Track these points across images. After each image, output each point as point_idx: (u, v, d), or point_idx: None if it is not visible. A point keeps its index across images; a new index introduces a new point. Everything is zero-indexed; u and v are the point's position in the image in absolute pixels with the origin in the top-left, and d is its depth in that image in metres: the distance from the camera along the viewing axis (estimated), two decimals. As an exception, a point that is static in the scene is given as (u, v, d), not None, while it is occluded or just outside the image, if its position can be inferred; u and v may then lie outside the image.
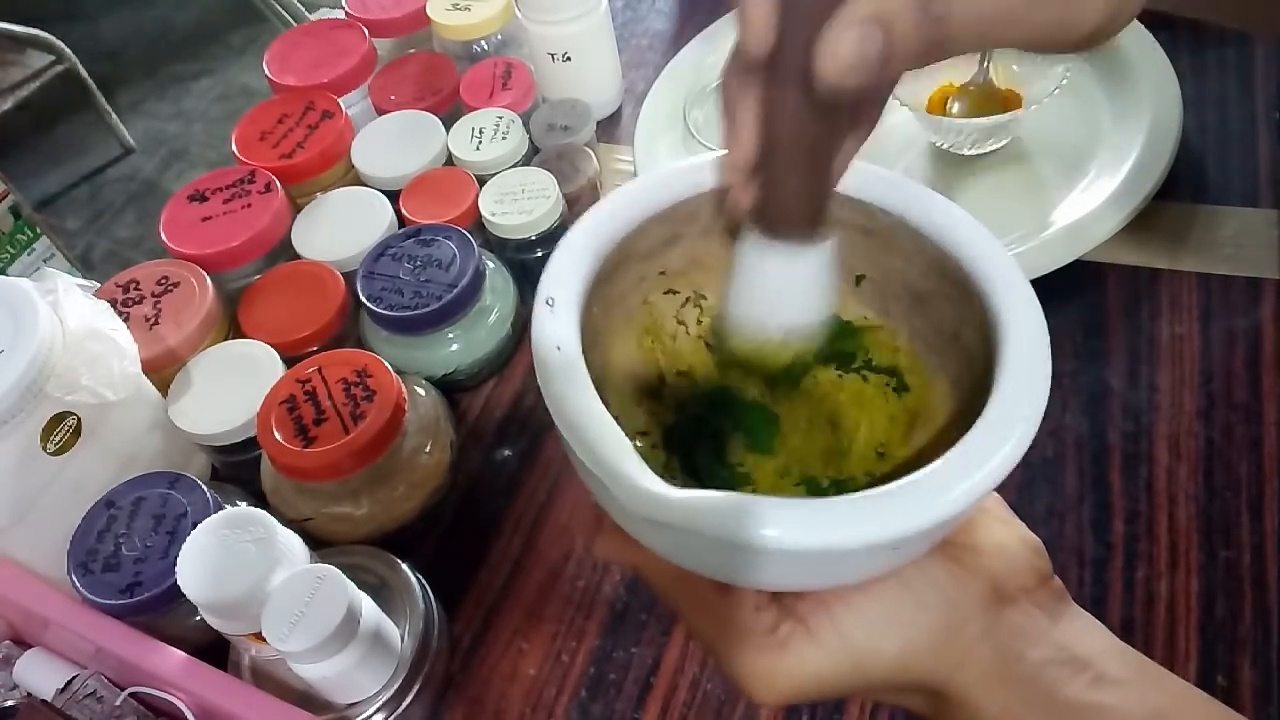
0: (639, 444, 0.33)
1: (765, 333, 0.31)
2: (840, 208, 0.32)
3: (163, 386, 0.53)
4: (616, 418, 0.27)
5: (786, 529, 0.24)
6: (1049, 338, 0.28)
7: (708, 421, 0.35)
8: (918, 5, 0.23)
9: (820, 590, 0.30)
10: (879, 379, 0.35)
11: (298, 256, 0.59)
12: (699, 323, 0.36)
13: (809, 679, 0.29)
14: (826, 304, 0.31)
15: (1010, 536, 0.31)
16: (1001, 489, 0.33)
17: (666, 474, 0.34)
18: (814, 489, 0.33)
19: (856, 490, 0.32)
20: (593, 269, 0.31)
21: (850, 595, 0.29)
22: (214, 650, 0.44)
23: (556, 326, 0.29)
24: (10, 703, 0.43)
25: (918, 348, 0.34)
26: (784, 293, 0.30)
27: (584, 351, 0.29)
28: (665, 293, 0.35)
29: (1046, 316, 0.29)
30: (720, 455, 0.34)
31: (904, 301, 0.34)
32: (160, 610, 0.43)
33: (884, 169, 0.33)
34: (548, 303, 0.29)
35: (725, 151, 0.29)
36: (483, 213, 0.58)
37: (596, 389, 0.28)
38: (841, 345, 0.35)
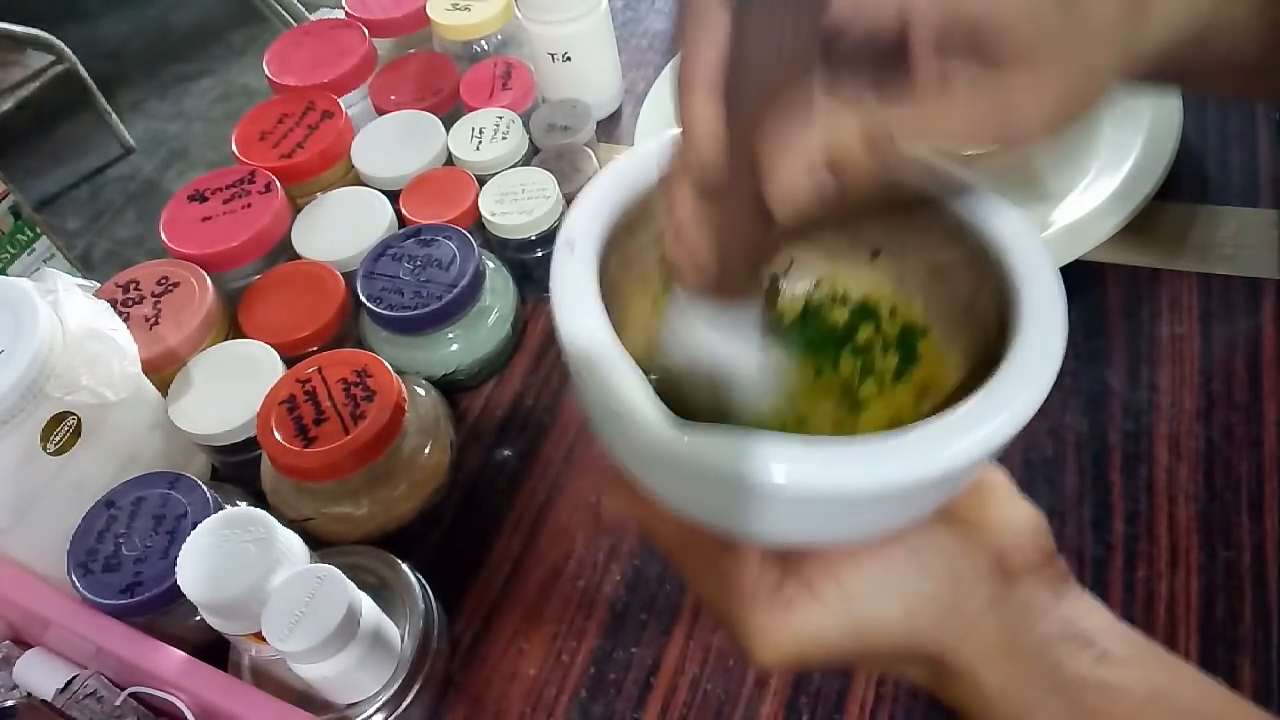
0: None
1: (702, 383, 0.31)
2: None
3: (163, 386, 0.53)
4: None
5: (797, 466, 0.24)
6: (1063, 291, 0.28)
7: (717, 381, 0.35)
8: (865, 138, 0.24)
9: (826, 546, 0.29)
10: (891, 357, 0.34)
11: (298, 256, 0.59)
12: None
13: (812, 640, 0.29)
14: (754, 356, 0.31)
15: (1017, 514, 0.31)
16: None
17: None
18: None
19: None
20: (614, 219, 0.31)
21: (857, 558, 0.29)
22: (214, 650, 0.44)
23: (576, 268, 0.29)
24: (10, 703, 0.43)
25: (932, 318, 0.34)
26: (715, 347, 0.31)
27: (606, 302, 0.29)
28: None
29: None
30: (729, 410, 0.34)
31: (920, 273, 0.33)
32: (160, 610, 0.43)
33: None
34: (568, 244, 0.29)
35: (672, 249, 0.29)
36: (483, 213, 0.58)
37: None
38: (860, 324, 0.35)
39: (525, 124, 0.63)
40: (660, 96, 0.70)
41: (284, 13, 2.04)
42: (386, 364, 0.50)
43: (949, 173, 0.32)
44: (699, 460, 0.25)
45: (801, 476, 0.24)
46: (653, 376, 0.27)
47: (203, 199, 0.60)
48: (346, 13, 0.72)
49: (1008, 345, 0.27)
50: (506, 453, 0.55)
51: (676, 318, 0.31)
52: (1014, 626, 0.29)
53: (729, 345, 0.31)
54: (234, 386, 0.52)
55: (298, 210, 0.61)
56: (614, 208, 0.31)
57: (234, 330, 0.57)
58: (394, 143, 0.63)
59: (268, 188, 0.60)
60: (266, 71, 0.69)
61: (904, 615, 0.29)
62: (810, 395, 0.35)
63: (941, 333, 0.33)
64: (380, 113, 0.66)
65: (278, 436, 0.48)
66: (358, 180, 0.64)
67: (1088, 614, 0.29)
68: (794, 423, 0.34)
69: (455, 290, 0.53)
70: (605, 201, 0.31)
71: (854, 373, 0.35)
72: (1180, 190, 0.58)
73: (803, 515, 0.26)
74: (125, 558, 0.43)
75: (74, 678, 0.43)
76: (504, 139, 0.61)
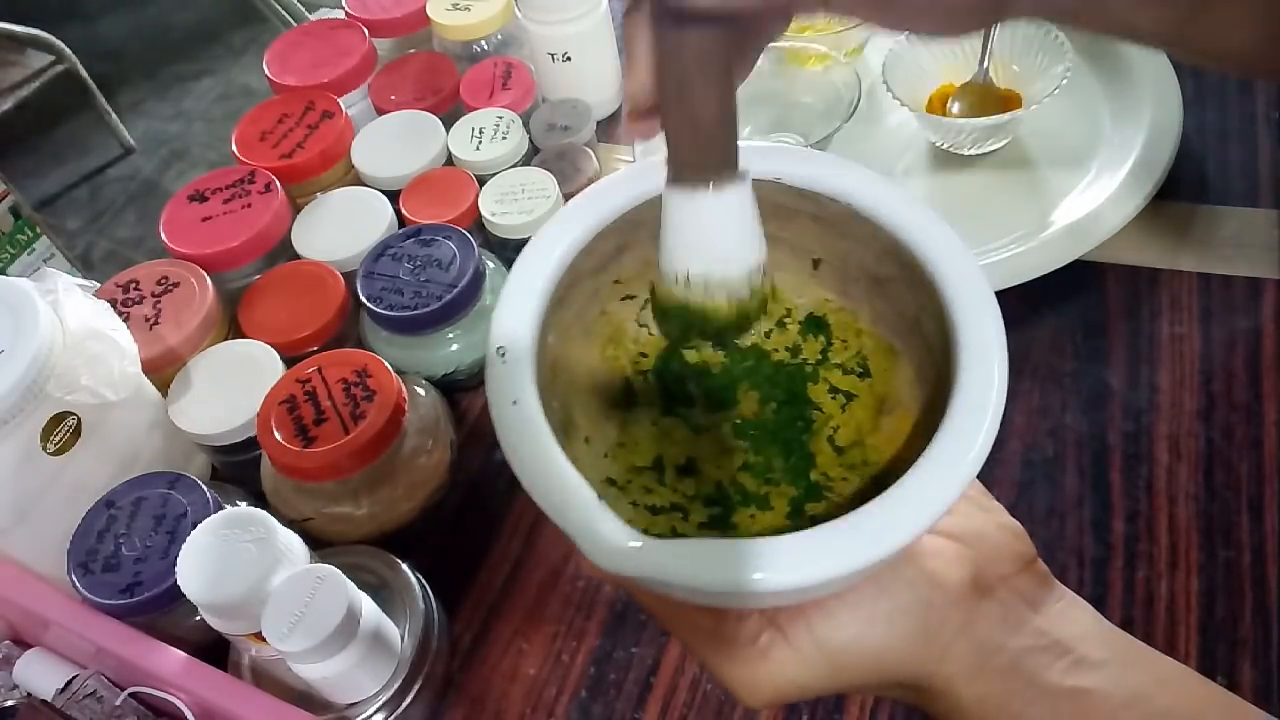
0: (616, 460, 0.33)
1: (703, 287, 0.31)
2: (787, 196, 0.32)
3: (163, 386, 0.53)
4: (588, 439, 0.27)
5: (760, 572, 0.25)
6: (1005, 336, 0.28)
7: (675, 411, 0.35)
8: None
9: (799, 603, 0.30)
10: (850, 378, 0.34)
11: (298, 256, 0.59)
12: None
13: (789, 685, 0.30)
14: (755, 247, 0.31)
15: (988, 524, 0.31)
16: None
17: (653, 474, 0.33)
18: (798, 484, 0.33)
19: (836, 491, 0.31)
20: (543, 302, 0.31)
21: (827, 603, 0.30)
22: (214, 650, 0.44)
23: (511, 379, 0.29)
24: (10, 703, 0.43)
25: (880, 330, 0.34)
26: (710, 237, 0.30)
27: (547, 387, 0.29)
28: (622, 299, 0.35)
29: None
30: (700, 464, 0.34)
31: (863, 283, 0.34)
32: (160, 610, 0.43)
33: (833, 155, 0.33)
34: (499, 353, 0.29)
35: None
36: (483, 213, 0.58)
37: (565, 412, 0.28)
38: (811, 342, 0.35)
39: (525, 124, 0.63)
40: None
41: (284, 13, 2.04)
42: (386, 364, 0.50)
43: (879, 183, 0.32)
44: (655, 575, 0.25)
45: (766, 579, 0.25)
46: (601, 498, 0.27)
47: (203, 199, 0.60)
48: (346, 13, 0.72)
49: (952, 388, 0.27)
50: (506, 453, 0.55)
51: (666, 212, 0.30)
52: (989, 645, 0.29)
53: (718, 225, 0.30)
54: (234, 386, 0.52)
55: (298, 210, 0.61)
56: (541, 291, 0.31)
57: (234, 330, 0.57)
58: (394, 143, 0.63)
59: (268, 188, 0.60)
60: (266, 71, 0.69)
61: (877, 653, 0.30)
62: (776, 419, 0.35)
63: (892, 343, 0.33)
64: (380, 113, 0.66)
65: (278, 436, 0.48)
66: (358, 180, 0.64)
67: (1066, 619, 0.30)
68: (759, 448, 0.34)
69: (455, 290, 0.53)
70: (529, 289, 0.31)
71: (811, 388, 0.35)
72: (1180, 190, 0.58)
73: (768, 600, 0.27)
74: (125, 558, 0.43)
75: (74, 678, 0.43)
76: (504, 139, 0.61)
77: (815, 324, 0.35)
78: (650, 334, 0.35)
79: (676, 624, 0.32)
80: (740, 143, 0.29)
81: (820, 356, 0.35)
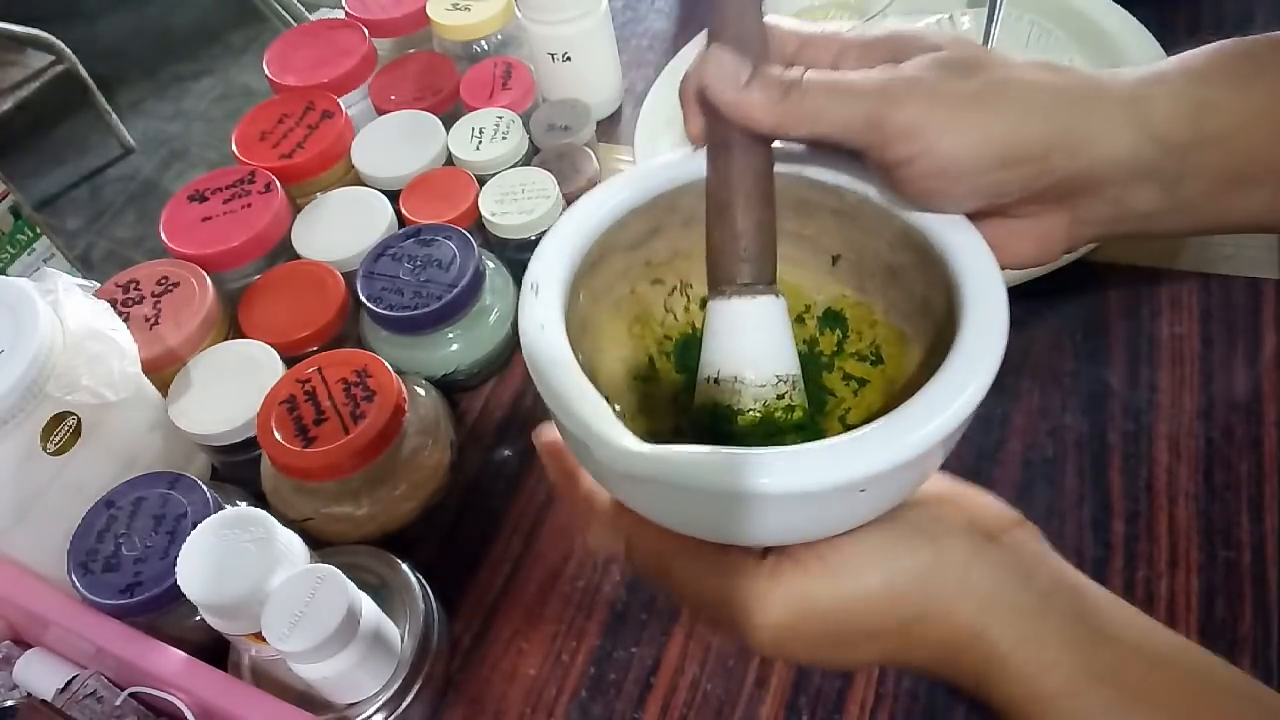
0: (634, 422, 0.34)
1: (731, 389, 0.32)
2: (809, 190, 0.34)
3: (163, 386, 0.53)
4: (609, 399, 0.28)
5: (769, 476, 0.25)
6: (1004, 284, 0.29)
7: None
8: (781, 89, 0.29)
9: (808, 540, 0.30)
10: (863, 365, 0.35)
11: (298, 256, 0.59)
12: (686, 310, 0.37)
13: (802, 604, 0.29)
14: (786, 359, 0.32)
15: (970, 491, 0.32)
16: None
17: (672, 438, 0.33)
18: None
19: None
20: (577, 258, 0.32)
21: (835, 539, 0.30)
22: (214, 650, 0.44)
23: (540, 308, 0.30)
24: (10, 703, 0.43)
25: (893, 318, 0.34)
26: (740, 342, 0.32)
27: (575, 339, 0.30)
28: (652, 283, 0.36)
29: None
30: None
31: (879, 276, 0.34)
32: (160, 610, 0.43)
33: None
34: (532, 288, 0.31)
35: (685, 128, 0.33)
36: (483, 213, 0.58)
37: (590, 377, 0.29)
38: (828, 335, 0.36)
39: (525, 124, 0.63)
40: (660, 96, 0.70)
41: (284, 13, 2.04)
42: (386, 364, 0.50)
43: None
44: (666, 476, 0.26)
45: (773, 482, 0.25)
46: (617, 407, 0.28)
47: (203, 199, 0.60)
48: (346, 13, 0.72)
49: (955, 335, 0.28)
50: (506, 453, 0.55)
51: (707, 323, 0.32)
52: (1009, 578, 0.29)
53: (755, 333, 0.32)
54: (234, 386, 0.52)
55: (298, 210, 0.61)
56: (577, 248, 0.32)
57: (234, 330, 0.57)
58: (394, 143, 0.63)
59: (268, 188, 0.60)
60: (266, 71, 0.69)
61: (885, 584, 0.29)
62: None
63: (903, 329, 0.34)
64: (380, 113, 0.66)
65: (278, 436, 0.48)
66: (358, 180, 0.64)
67: (1071, 570, 0.30)
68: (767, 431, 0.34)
69: (455, 290, 0.53)
70: (568, 242, 0.32)
71: (826, 376, 0.36)
72: (1180, 190, 0.58)
73: (774, 515, 0.27)
74: (125, 558, 0.43)
75: (74, 678, 0.43)
76: (504, 139, 0.61)
77: (833, 319, 0.36)
78: (675, 320, 0.36)
79: (682, 565, 0.32)
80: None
81: (836, 348, 0.36)
